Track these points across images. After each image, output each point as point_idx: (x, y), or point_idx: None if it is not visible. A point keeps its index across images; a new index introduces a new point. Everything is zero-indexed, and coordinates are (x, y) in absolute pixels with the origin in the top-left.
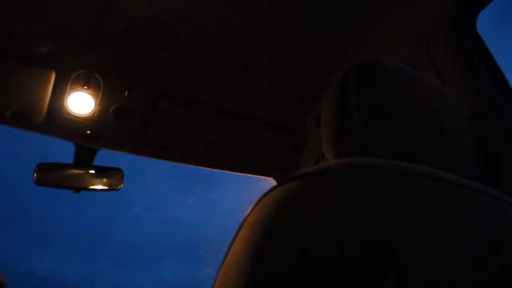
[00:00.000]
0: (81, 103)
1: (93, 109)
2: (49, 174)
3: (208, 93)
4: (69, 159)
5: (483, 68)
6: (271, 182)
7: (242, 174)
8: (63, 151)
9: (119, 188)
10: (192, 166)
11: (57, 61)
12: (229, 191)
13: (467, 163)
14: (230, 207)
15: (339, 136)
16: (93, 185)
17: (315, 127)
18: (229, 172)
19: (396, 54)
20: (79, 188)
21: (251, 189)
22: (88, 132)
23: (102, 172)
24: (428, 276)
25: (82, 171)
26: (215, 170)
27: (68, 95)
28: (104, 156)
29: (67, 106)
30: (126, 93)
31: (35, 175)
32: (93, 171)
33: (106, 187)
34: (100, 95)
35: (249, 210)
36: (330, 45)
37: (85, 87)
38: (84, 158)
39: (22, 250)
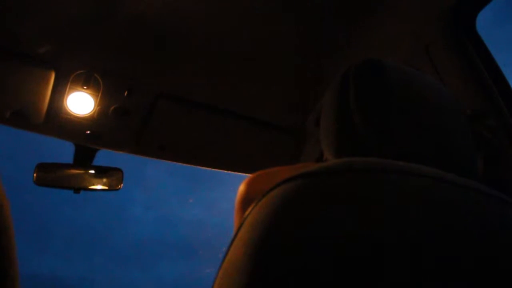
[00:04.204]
0: (80, 103)
1: (93, 109)
2: (49, 174)
3: (208, 93)
4: (69, 159)
5: (483, 68)
6: None
7: (242, 174)
8: (63, 151)
9: (119, 188)
10: (192, 166)
11: (57, 61)
12: (229, 190)
13: (467, 163)
14: (230, 207)
15: (338, 136)
16: (93, 185)
17: (315, 127)
18: (229, 172)
19: (396, 54)
20: (79, 188)
21: None
22: (88, 132)
23: (102, 172)
24: (428, 276)
25: (82, 171)
26: (215, 170)
27: (68, 95)
28: (104, 156)
29: (67, 106)
30: (125, 93)
31: (34, 175)
32: (92, 171)
33: (106, 187)
34: (99, 95)
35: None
36: (330, 45)
37: (85, 87)
38: (84, 158)
39: (21, 250)
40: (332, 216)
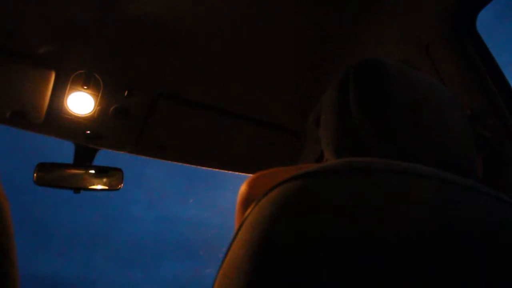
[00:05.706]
0: (81, 103)
1: (93, 109)
2: (49, 174)
3: (208, 93)
4: (69, 159)
5: (483, 68)
6: None
7: (242, 174)
8: (63, 150)
9: (119, 188)
10: (192, 166)
11: (57, 61)
12: (229, 190)
13: (467, 163)
14: (230, 207)
15: (339, 136)
16: (93, 185)
17: (315, 127)
18: (229, 172)
19: (396, 54)
20: (79, 188)
21: None
22: (88, 132)
23: (102, 172)
24: (428, 276)
25: (82, 171)
26: (215, 170)
27: (68, 95)
28: (104, 156)
29: (67, 106)
30: (126, 93)
31: (35, 175)
32: (93, 171)
33: (106, 187)
34: (100, 95)
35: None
36: (330, 45)
37: (85, 87)
38: (84, 158)
39: (21, 250)
40: (332, 216)
